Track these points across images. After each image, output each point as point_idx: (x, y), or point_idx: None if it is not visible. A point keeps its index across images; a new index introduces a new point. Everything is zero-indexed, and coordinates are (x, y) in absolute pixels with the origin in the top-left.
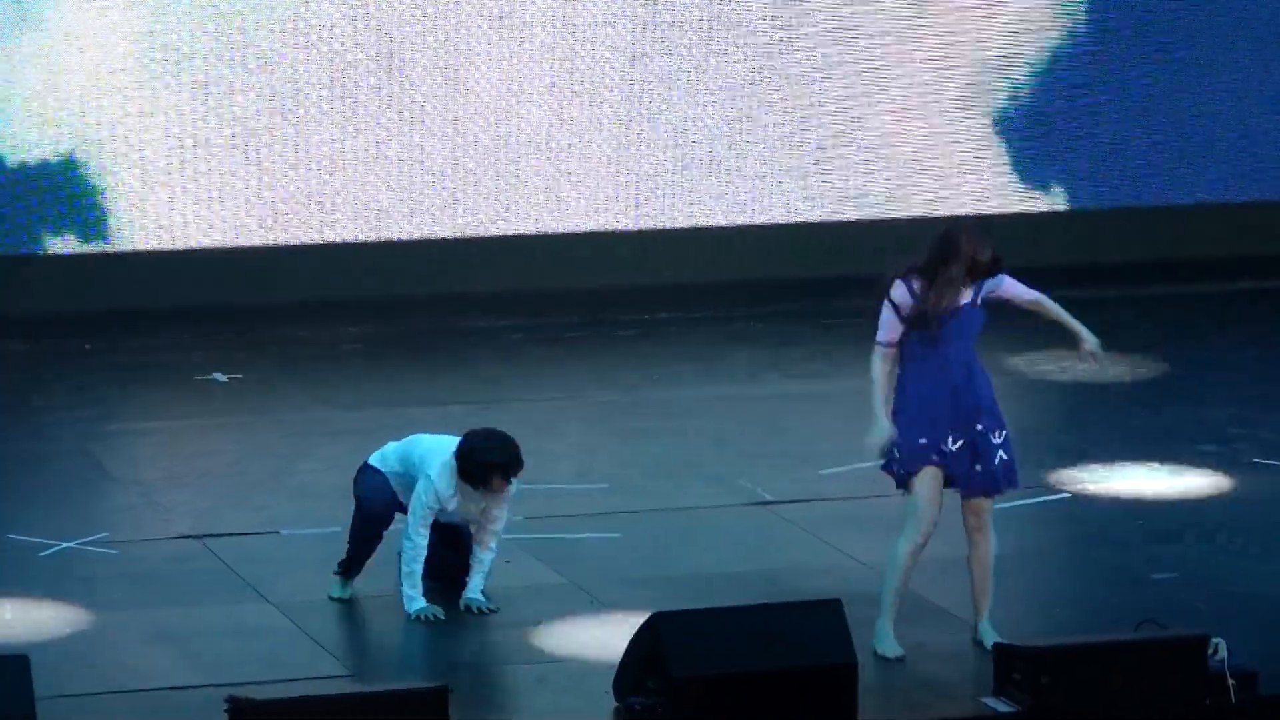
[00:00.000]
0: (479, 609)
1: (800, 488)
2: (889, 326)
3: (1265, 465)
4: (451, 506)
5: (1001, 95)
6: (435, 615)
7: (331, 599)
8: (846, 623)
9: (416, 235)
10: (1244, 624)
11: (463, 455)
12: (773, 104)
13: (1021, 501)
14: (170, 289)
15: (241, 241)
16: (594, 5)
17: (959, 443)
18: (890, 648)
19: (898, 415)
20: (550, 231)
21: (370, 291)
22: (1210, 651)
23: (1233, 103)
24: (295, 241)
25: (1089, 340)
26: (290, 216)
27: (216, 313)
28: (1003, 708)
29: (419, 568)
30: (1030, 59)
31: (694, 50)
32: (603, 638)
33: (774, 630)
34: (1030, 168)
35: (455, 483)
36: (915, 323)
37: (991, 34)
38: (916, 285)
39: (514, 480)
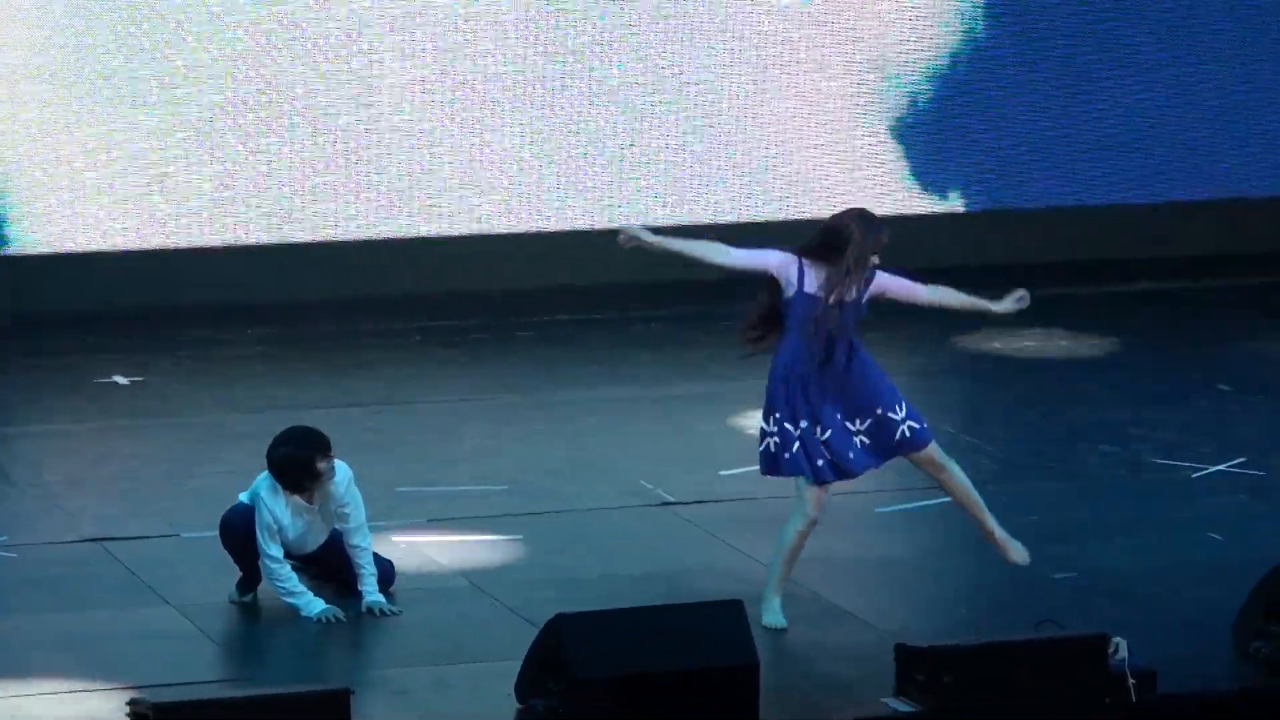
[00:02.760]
0: (381, 611)
1: (700, 488)
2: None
3: (1165, 465)
4: (289, 524)
5: (899, 97)
6: (336, 616)
7: (232, 602)
8: (748, 623)
9: (316, 238)
10: (1143, 623)
11: (272, 466)
12: (669, 105)
13: (921, 502)
14: (69, 293)
15: (141, 245)
16: (497, 7)
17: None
18: (775, 619)
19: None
20: (450, 234)
21: (270, 294)
22: (1111, 650)
23: (1131, 103)
24: (195, 245)
25: (1002, 306)
26: (189, 219)
27: (116, 316)
28: (904, 708)
29: (291, 579)
30: (927, 61)
31: (591, 52)
32: (504, 639)
33: (675, 631)
34: (927, 170)
35: (282, 498)
36: (816, 315)
37: (889, 35)
38: (819, 273)
39: (336, 461)
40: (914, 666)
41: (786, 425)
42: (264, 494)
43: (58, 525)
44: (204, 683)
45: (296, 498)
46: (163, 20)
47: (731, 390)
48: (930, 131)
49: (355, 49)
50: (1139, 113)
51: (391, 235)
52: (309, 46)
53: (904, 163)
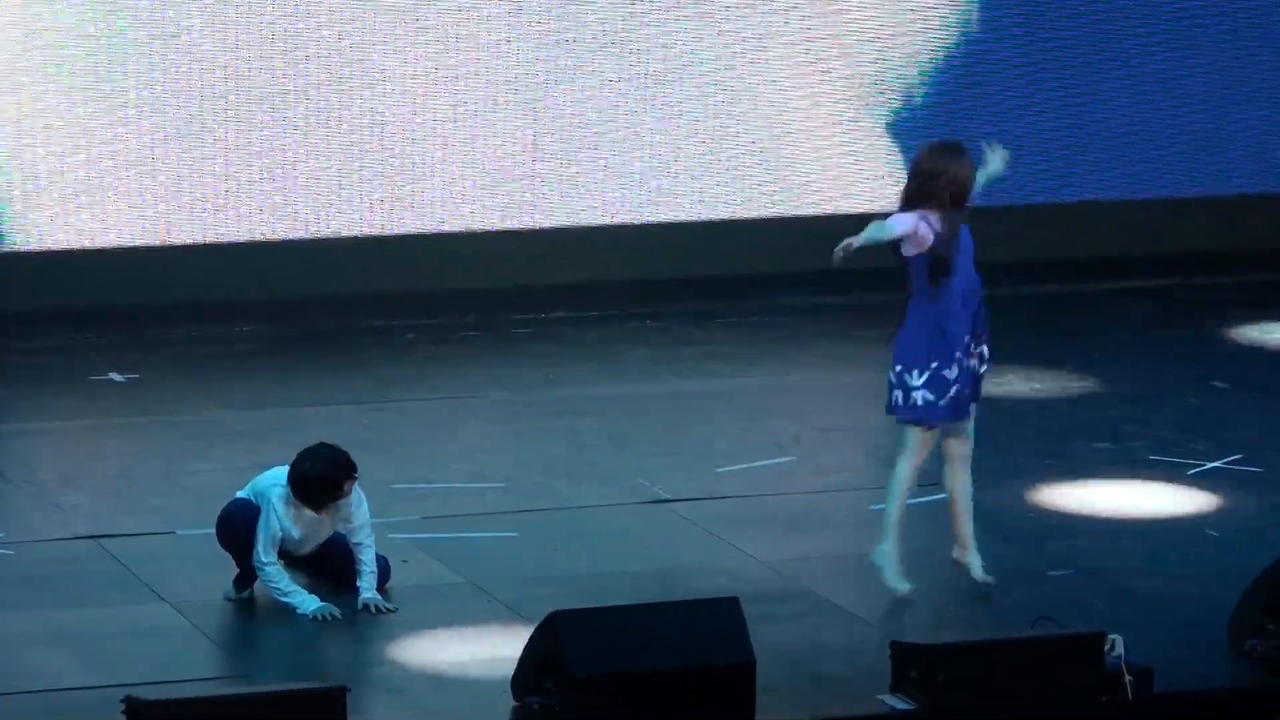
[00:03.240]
0: (377, 608)
1: (696, 486)
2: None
3: (1160, 462)
4: (296, 534)
5: (894, 94)
6: (332, 614)
7: (228, 599)
8: (744, 621)
9: (311, 235)
10: (1140, 621)
11: (295, 481)
12: (666, 103)
13: (915, 500)
14: (65, 290)
15: (137, 242)
16: (493, 4)
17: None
18: (896, 580)
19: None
20: (445, 231)
21: (266, 292)
22: (1107, 648)
23: (1124, 100)
24: (191, 241)
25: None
26: (185, 217)
27: (112, 313)
28: (900, 705)
29: (283, 579)
30: (923, 58)
31: (588, 49)
32: (500, 637)
33: (671, 629)
34: None
35: (294, 510)
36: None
37: (885, 33)
38: (934, 220)
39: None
40: (909, 664)
41: (914, 372)
42: (276, 503)
43: (53, 522)
44: (199, 680)
45: (309, 512)
46: (157, 16)
47: (728, 388)
48: (927, 129)
49: (349, 45)
50: (1135, 110)
51: (388, 232)
52: (303, 42)
53: (901, 160)
